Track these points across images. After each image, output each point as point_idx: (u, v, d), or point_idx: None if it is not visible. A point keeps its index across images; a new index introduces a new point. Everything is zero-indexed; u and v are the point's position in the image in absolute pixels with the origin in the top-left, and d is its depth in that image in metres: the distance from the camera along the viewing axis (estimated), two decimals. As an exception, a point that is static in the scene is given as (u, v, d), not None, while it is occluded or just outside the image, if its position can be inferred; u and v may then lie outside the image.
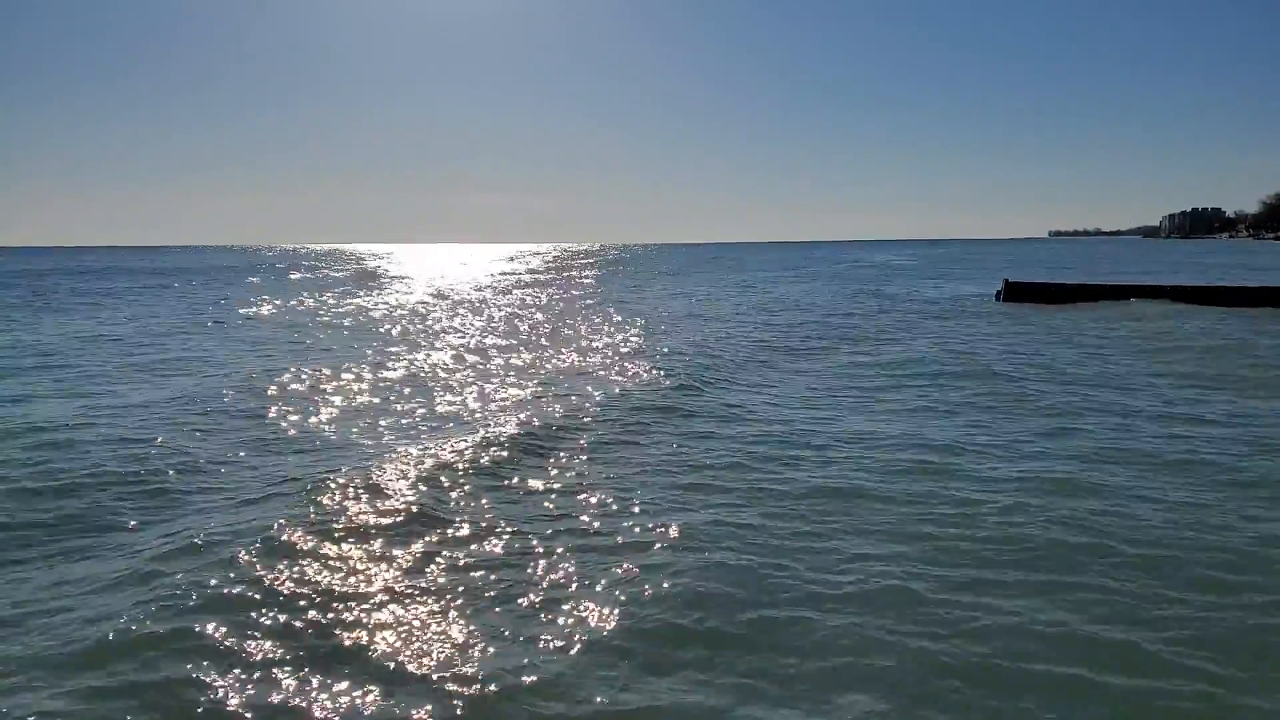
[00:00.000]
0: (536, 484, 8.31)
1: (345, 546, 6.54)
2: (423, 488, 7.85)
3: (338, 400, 12.85)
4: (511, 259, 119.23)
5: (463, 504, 7.60)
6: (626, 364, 16.29)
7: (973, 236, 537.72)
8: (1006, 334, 20.71)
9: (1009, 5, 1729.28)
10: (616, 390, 13.18)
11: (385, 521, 7.03)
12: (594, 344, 19.92)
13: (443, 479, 8.21)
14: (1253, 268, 56.69)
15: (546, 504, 7.75)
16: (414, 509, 7.29)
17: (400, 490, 7.77)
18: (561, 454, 9.36)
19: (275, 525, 6.82)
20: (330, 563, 6.25)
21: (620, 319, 26.49)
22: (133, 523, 7.27)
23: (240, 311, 30.94)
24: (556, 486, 8.25)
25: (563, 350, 18.70)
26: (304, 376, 14.78)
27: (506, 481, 8.38)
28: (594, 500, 7.77)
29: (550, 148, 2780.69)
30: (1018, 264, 70.41)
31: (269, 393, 13.18)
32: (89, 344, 20.55)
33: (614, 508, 7.57)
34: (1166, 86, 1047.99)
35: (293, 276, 64.49)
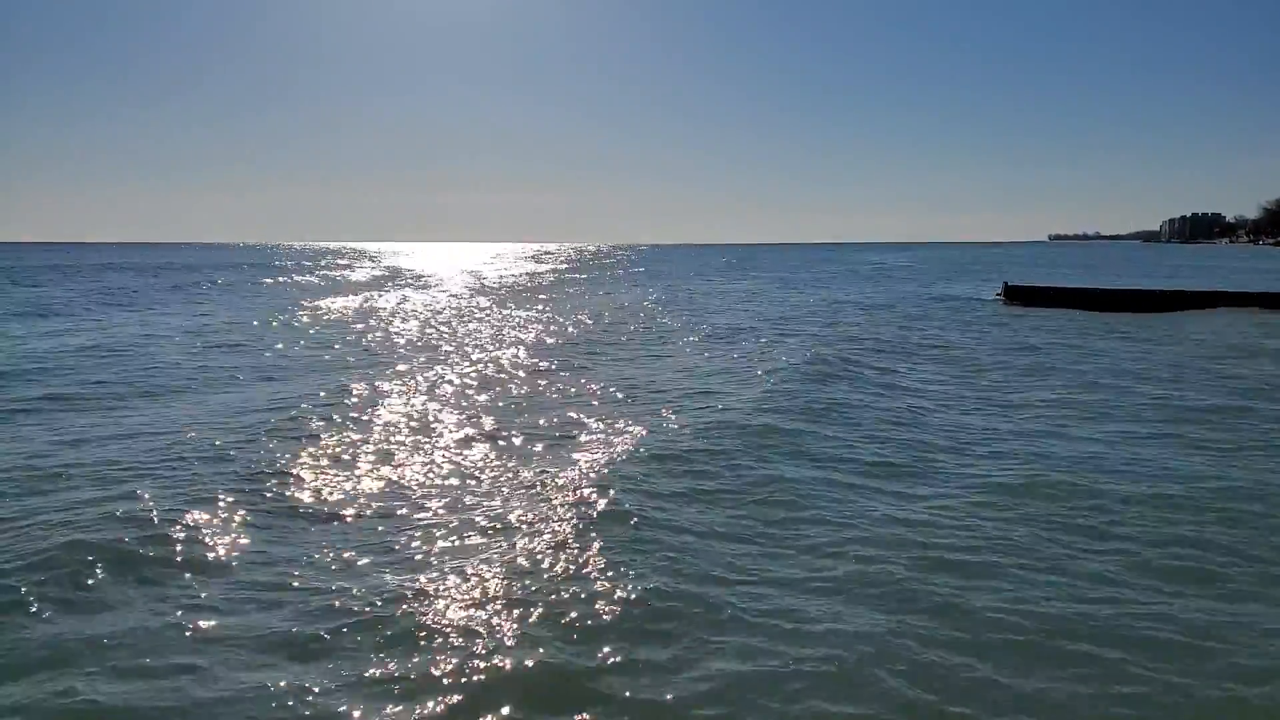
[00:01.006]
0: (724, 494, 8.25)
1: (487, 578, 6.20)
2: (578, 520, 7.29)
3: (464, 408, 12.55)
4: (531, 257, 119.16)
5: (638, 523, 7.24)
6: (738, 369, 16.79)
7: (972, 239, 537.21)
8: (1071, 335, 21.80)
9: (1006, 7, 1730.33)
10: (750, 398, 13.12)
11: (531, 552, 6.62)
12: (686, 348, 20.72)
13: (613, 497, 7.84)
14: (1264, 271, 57.72)
15: (746, 511, 7.81)
16: (569, 537, 6.87)
17: (550, 517, 7.34)
18: (730, 463, 9.33)
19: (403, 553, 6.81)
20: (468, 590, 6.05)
21: (693, 320, 27.34)
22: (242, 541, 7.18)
23: (321, 304, 31.94)
24: (745, 494, 8.27)
25: (663, 355, 19.45)
26: (414, 383, 14.54)
27: (683, 490, 8.35)
28: (786, 512, 7.80)
29: (554, 147, 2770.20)
30: (1030, 266, 71.08)
31: (378, 402, 12.83)
32: (195, 341, 21.55)
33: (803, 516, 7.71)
34: (1165, 90, 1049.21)
35: (328, 274, 65.22)
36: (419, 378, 15.18)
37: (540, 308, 32.91)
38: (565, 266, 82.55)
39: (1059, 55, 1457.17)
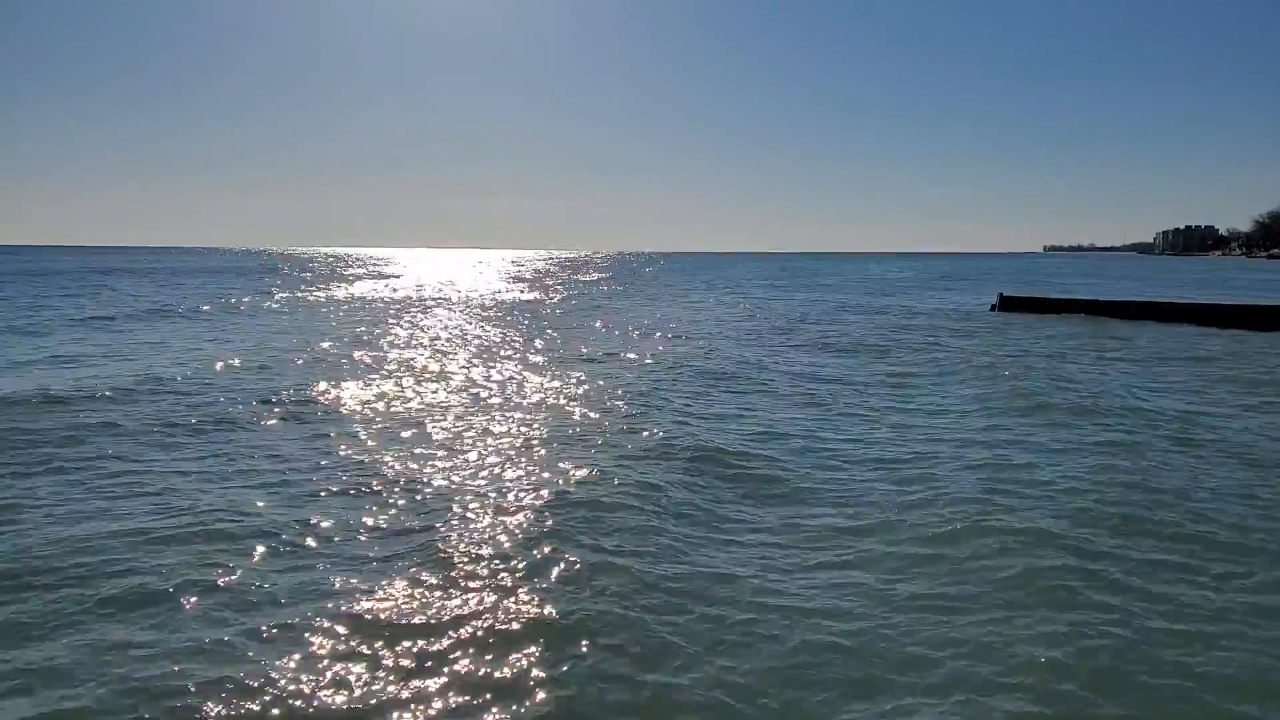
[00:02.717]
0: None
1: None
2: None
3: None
4: (558, 264, 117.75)
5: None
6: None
7: (966, 250, 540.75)
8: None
9: (1001, 18, 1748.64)
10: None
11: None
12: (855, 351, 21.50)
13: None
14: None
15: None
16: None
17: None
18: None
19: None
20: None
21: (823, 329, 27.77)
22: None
23: (429, 320, 32.36)
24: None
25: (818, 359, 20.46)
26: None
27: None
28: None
29: (550, 152, 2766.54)
30: (1074, 278, 71.78)
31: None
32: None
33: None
34: (1159, 102, 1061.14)
35: (384, 283, 64.75)
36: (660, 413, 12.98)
37: (645, 321, 32.66)
38: (605, 275, 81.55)
39: (1054, 67, 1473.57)
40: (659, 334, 26.17)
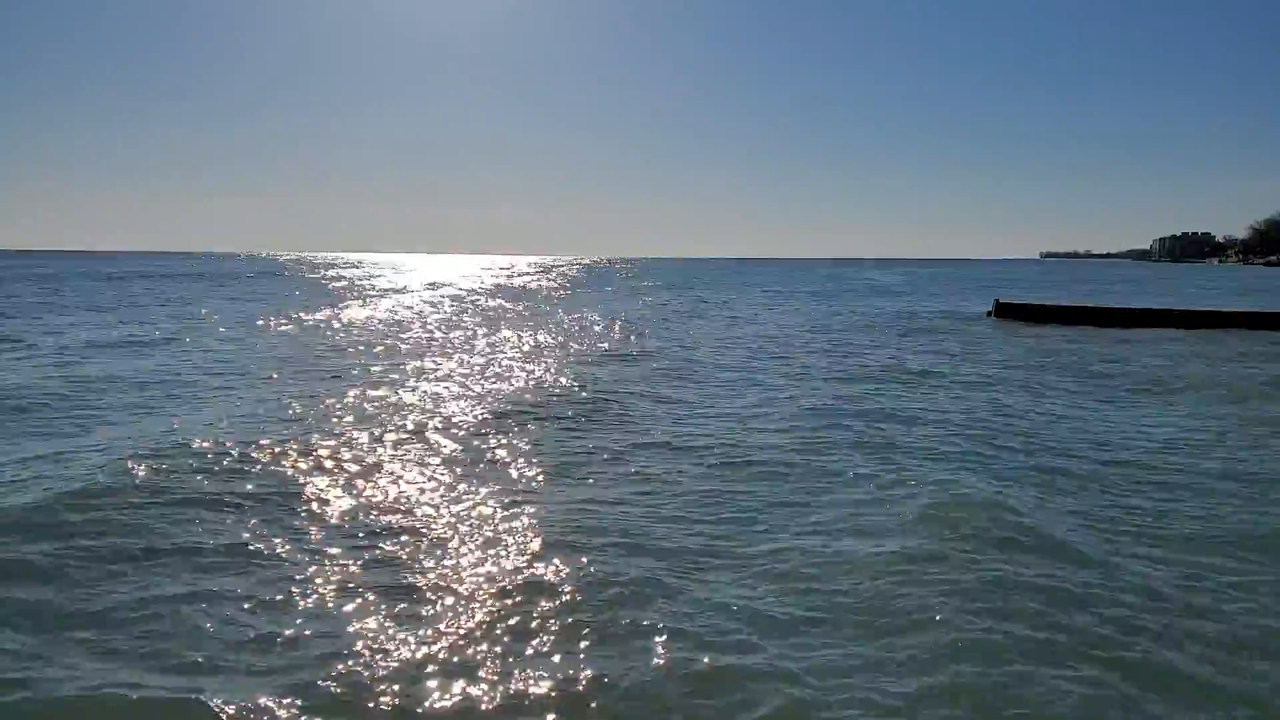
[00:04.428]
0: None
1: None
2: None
3: None
4: (583, 269, 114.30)
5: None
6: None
7: (963, 256, 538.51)
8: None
9: (997, 24, 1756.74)
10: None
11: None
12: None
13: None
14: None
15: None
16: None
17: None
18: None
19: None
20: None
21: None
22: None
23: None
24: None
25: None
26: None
27: None
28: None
29: (539, 159, 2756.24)
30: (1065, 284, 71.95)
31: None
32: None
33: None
34: (1156, 109, 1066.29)
35: (448, 291, 63.10)
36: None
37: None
38: (653, 284, 79.24)
39: (1049, 73, 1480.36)
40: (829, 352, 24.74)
